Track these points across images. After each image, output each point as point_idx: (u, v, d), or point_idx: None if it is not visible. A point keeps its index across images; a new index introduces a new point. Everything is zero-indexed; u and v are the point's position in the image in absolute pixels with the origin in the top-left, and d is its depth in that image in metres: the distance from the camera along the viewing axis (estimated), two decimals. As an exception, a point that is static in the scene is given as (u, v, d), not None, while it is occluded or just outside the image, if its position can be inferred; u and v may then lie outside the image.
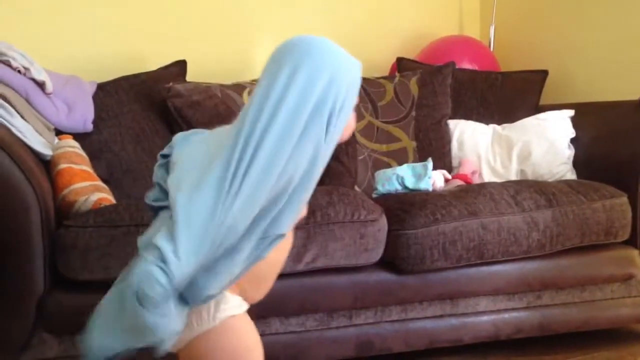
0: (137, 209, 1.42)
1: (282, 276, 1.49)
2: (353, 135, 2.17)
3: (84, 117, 1.79)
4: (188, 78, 2.11)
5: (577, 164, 2.06)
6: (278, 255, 1.06)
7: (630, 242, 1.83)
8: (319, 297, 1.58)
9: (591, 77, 2.38)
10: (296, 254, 1.52)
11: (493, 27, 2.68)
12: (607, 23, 2.33)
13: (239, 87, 2.04)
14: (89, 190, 1.49)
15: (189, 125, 1.90)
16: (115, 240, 1.36)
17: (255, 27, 2.45)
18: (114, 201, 1.55)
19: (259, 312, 1.49)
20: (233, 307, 0.96)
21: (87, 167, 1.60)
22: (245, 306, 0.99)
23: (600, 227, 1.76)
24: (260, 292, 1.07)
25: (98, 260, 1.36)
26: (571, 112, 2.15)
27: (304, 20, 2.52)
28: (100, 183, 1.58)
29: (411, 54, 2.59)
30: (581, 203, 1.76)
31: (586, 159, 2.04)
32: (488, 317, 1.71)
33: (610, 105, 2.11)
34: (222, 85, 2.01)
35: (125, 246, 1.37)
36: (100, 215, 1.39)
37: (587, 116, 2.13)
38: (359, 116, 2.19)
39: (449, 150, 2.23)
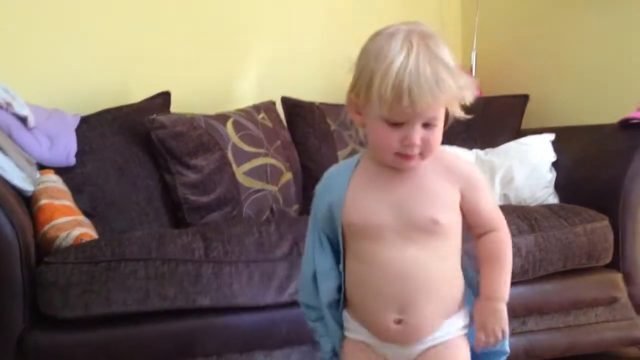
0: (120, 243, 1.42)
1: (264, 308, 1.51)
2: (337, 162, 2.18)
3: (66, 150, 1.80)
4: (172, 109, 2.12)
5: (558, 187, 2.08)
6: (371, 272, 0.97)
7: (613, 266, 1.84)
8: (304, 328, 1.55)
9: (571, 101, 2.41)
10: (279, 285, 1.52)
11: (474, 53, 2.72)
12: (585, 48, 2.37)
13: (222, 117, 2.05)
14: (71, 225, 1.48)
15: (173, 156, 1.91)
16: (97, 277, 1.36)
17: (241, 57, 2.47)
18: (96, 236, 1.54)
19: (242, 346, 1.50)
20: (348, 330, 1.02)
21: (69, 202, 1.60)
22: (358, 333, 1.00)
23: (583, 251, 1.77)
24: (369, 314, 0.99)
25: (79, 297, 1.35)
26: (552, 136, 2.18)
27: (288, 50, 2.54)
28: (82, 218, 1.58)
29: (394, 81, 2.62)
30: (563, 227, 1.77)
31: (568, 182, 2.06)
32: (473, 344, 1.71)
33: (591, 129, 2.14)
34: (206, 116, 2.02)
35: (107, 282, 1.36)
36: (81, 251, 1.39)
37: (567, 140, 2.15)
38: (343, 144, 2.21)
39: (433, 176, 2.24)
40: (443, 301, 0.97)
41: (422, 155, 0.94)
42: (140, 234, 1.48)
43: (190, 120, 1.96)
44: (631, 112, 1.98)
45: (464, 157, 2.23)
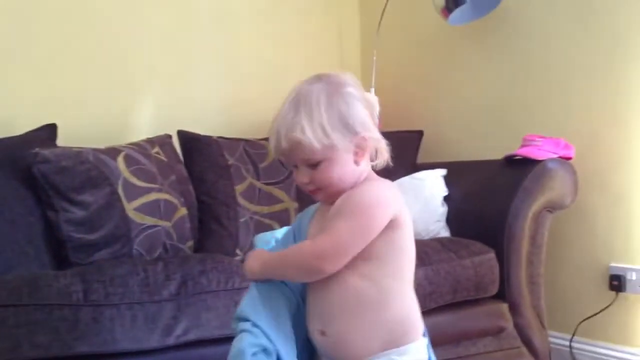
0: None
1: (151, 352, 1.45)
2: (234, 197, 2.16)
3: None
4: (59, 143, 2.02)
5: (450, 220, 2.15)
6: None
7: (499, 296, 1.91)
8: (192, 371, 1.52)
9: (462, 137, 2.52)
10: (165, 327, 1.46)
11: (373, 89, 2.79)
12: (475, 89, 2.49)
13: (113, 151, 1.97)
14: None
15: (57, 192, 1.81)
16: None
17: (136, 89, 2.41)
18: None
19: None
20: None
21: None
22: None
23: (471, 283, 1.83)
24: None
25: (-62, 349, 1.23)
26: (444, 171, 2.25)
27: (187, 84, 2.50)
28: (-54, 261, 1.45)
29: (295, 115, 2.63)
30: (452, 260, 1.82)
31: (458, 216, 2.14)
32: (367, 379, 1.71)
33: (479, 164, 2.23)
34: (95, 150, 1.94)
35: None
36: (-58, 298, 1.27)
37: (458, 175, 2.24)
38: (240, 178, 2.19)
39: (331, 210, 2.26)
40: (373, 323, 1.00)
41: (321, 190, 1.06)
42: (11, 278, 1.39)
43: (77, 155, 1.87)
44: (515, 149, 2.09)
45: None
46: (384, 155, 1.09)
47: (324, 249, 0.99)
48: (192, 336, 1.49)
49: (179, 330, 1.47)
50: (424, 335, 1.07)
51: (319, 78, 1.06)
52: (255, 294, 1.07)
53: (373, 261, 1.00)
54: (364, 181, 1.06)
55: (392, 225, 1.01)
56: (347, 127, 1.03)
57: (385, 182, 1.09)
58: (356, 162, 1.05)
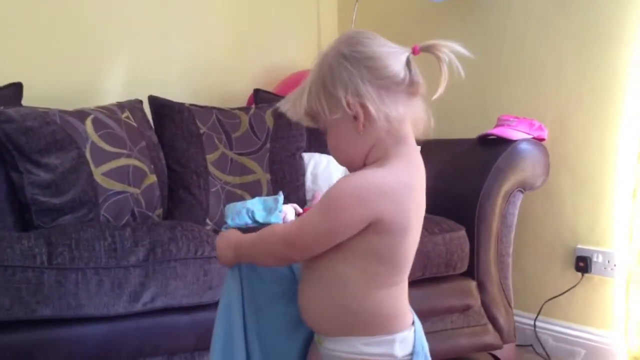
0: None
1: (116, 318, 1.42)
2: (205, 166, 2.12)
3: None
4: (25, 102, 1.94)
5: (422, 198, 2.15)
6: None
7: (468, 274, 1.92)
8: (158, 338, 1.50)
9: (434, 115, 2.51)
10: (133, 293, 1.43)
11: (349, 63, 2.76)
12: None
13: (81, 114, 1.91)
14: None
15: (22, 154, 1.75)
16: None
17: (108, 51, 2.33)
18: None
19: (89, 358, 1.40)
20: None
21: None
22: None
23: (441, 260, 1.84)
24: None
25: None
26: (418, 148, 2.24)
27: (159, 49, 2.44)
28: None
29: (270, 87, 2.60)
30: (423, 236, 1.80)
31: (430, 193, 2.11)
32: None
33: (452, 143, 2.23)
34: (62, 111, 1.87)
35: None
36: None
37: (431, 152, 2.20)
38: (212, 147, 2.14)
39: (303, 183, 2.24)
40: (328, 306, 0.96)
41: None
42: (-28, 238, 1.33)
43: (43, 115, 1.80)
44: (490, 129, 2.09)
45: (335, 164, 2.26)
46: (411, 125, 1.02)
47: (293, 239, 0.95)
48: (159, 303, 1.47)
49: (146, 297, 1.44)
50: (406, 330, 1.01)
51: (334, 40, 1.00)
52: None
53: (342, 249, 0.94)
54: (378, 160, 0.97)
55: (372, 228, 0.92)
56: (328, 91, 0.96)
57: (391, 172, 0.96)
58: (358, 131, 0.96)
